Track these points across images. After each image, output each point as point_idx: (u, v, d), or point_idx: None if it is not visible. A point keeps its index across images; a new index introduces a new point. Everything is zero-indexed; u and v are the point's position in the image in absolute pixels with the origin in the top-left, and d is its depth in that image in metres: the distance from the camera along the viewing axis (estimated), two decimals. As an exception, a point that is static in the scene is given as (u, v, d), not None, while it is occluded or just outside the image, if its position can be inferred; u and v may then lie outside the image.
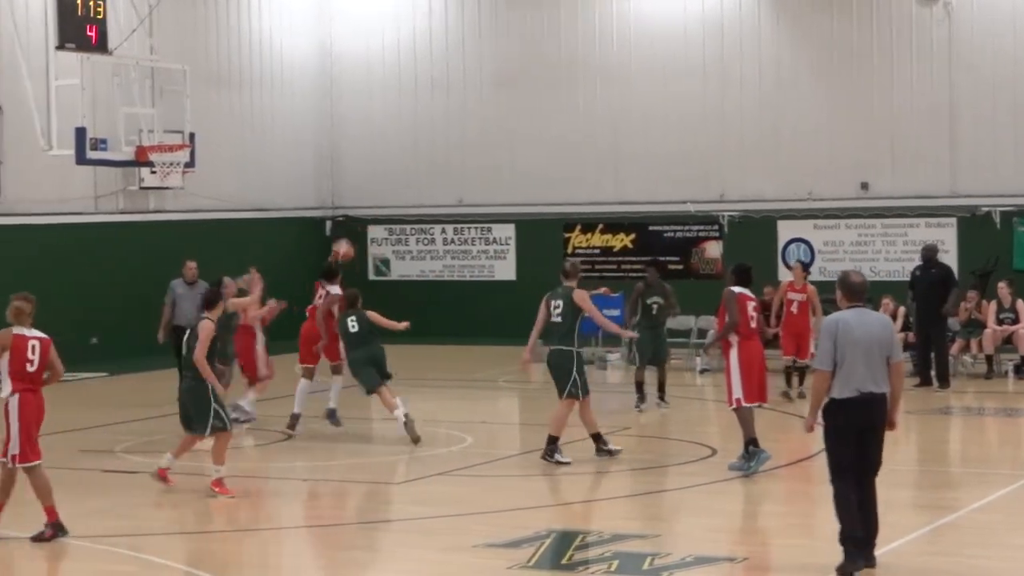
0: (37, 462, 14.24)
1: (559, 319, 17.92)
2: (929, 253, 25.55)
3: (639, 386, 22.61)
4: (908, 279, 26.10)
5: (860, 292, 12.42)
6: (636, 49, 32.58)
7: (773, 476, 17.03)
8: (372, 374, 19.78)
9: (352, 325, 20.26)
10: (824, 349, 12.23)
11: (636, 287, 23.34)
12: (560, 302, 17.97)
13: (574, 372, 17.88)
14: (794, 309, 23.66)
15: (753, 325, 17.27)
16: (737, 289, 17.37)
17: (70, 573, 13.31)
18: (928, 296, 24.90)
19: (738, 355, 17.14)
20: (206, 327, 16.36)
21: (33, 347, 14.19)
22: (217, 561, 13.38)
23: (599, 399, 24.52)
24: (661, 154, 32.39)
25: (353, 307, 20.49)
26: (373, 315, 20.16)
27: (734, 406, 17.19)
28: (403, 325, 19.99)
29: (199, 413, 16.35)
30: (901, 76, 30.73)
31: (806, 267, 25.15)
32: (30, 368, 14.10)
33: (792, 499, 16.50)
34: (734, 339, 17.16)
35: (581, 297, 17.97)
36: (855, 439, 12.14)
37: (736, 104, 31.89)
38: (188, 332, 16.60)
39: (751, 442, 17.06)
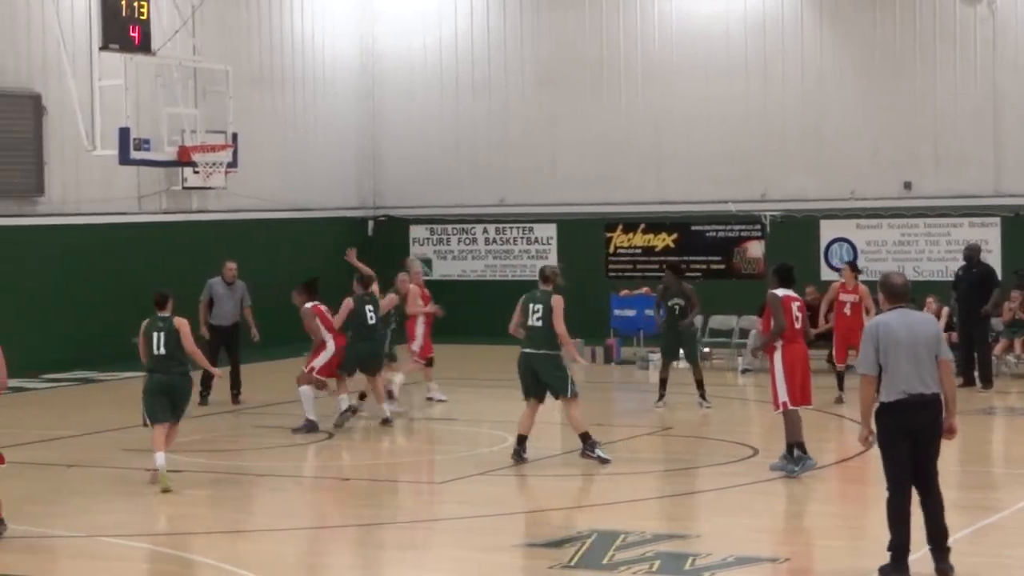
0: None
1: (539, 323, 17.83)
2: (972, 253, 25.43)
3: (662, 383, 22.66)
4: (951, 279, 26.01)
5: (902, 293, 12.24)
6: (677, 48, 32.53)
7: (815, 476, 16.97)
8: (353, 366, 20.67)
9: (370, 316, 20.43)
10: (866, 354, 12.04)
11: (657, 289, 23.50)
12: (540, 306, 17.89)
13: (568, 372, 17.87)
14: (847, 311, 23.14)
15: (797, 326, 17.14)
16: (781, 292, 17.22)
17: (112, 572, 13.36)
18: (970, 296, 24.79)
19: (782, 358, 17.01)
20: (185, 323, 17.18)
21: None
22: (259, 560, 13.41)
23: (643, 398, 24.52)
24: (703, 154, 32.33)
25: (368, 290, 20.47)
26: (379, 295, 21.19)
27: (780, 409, 17.11)
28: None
29: (186, 403, 17.22)
30: (944, 75, 30.59)
31: (855, 266, 24.69)
32: None
33: (834, 499, 16.44)
34: (778, 342, 17.05)
35: (557, 303, 17.89)
36: (909, 443, 11.90)
37: (778, 103, 31.81)
38: (165, 333, 16.88)
39: (798, 446, 16.95)
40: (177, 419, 17.11)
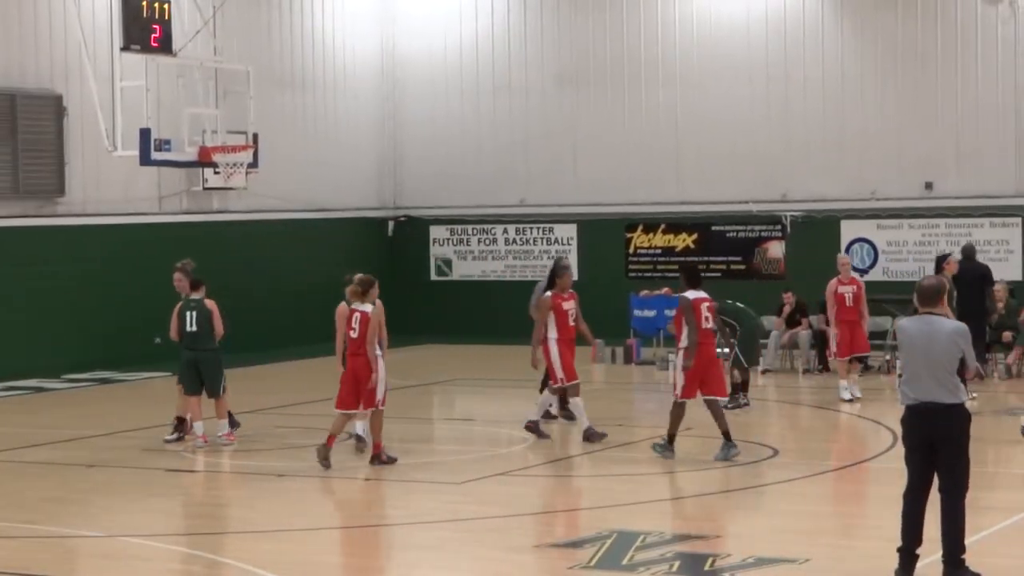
0: None
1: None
2: (968, 252, 25.39)
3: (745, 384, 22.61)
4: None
5: (930, 297, 12.10)
6: (699, 49, 32.50)
7: (836, 477, 16.96)
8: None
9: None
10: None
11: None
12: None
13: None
14: None
15: (707, 327, 17.93)
16: (692, 295, 18.02)
17: (133, 572, 13.39)
18: (965, 295, 24.89)
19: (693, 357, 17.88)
20: (214, 304, 19.69)
21: None
22: (281, 560, 13.43)
23: (663, 398, 24.47)
24: (723, 154, 32.31)
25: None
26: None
27: (681, 398, 17.95)
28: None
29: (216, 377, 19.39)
30: (966, 75, 30.53)
31: None
32: None
33: (854, 500, 16.42)
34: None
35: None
36: (926, 451, 11.89)
37: (799, 104, 31.77)
38: (197, 312, 19.42)
39: (672, 437, 18.02)
40: (213, 393, 19.34)
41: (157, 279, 29.20)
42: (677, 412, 18.05)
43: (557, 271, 20.05)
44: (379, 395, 17.62)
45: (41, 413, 23.49)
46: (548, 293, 19.75)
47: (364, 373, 17.55)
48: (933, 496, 11.95)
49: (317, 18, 33.77)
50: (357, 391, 17.70)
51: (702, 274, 19.08)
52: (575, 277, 33.20)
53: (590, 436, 19.26)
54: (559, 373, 19.45)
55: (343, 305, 18.56)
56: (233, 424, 19.86)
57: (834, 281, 23.48)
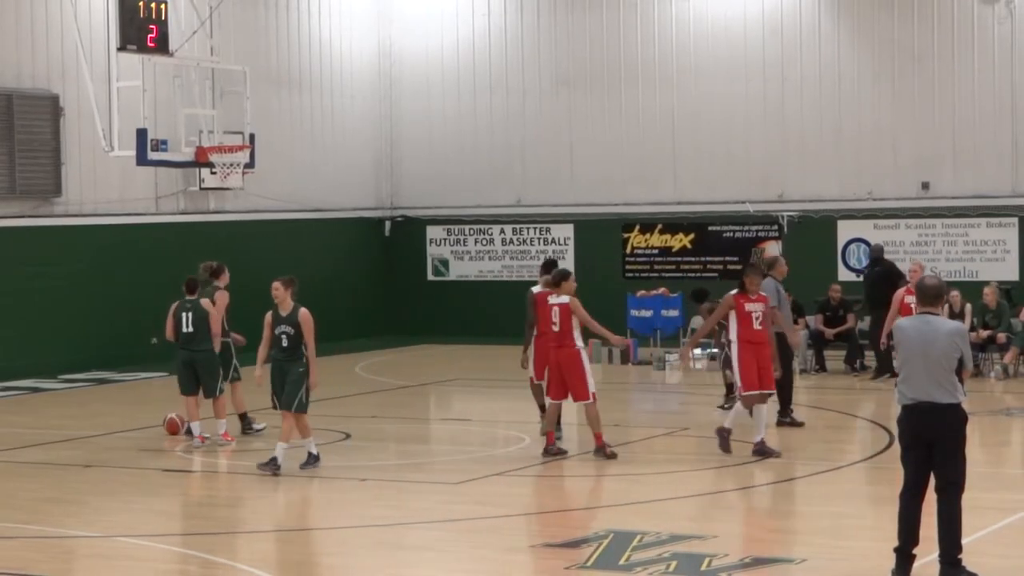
0: None
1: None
2: (876, 252, 26.73)
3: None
4: (968, 280, 26.07)
5: (931, 296, 12.07)
6: (695, 49, 32.50)
7: (832, 477, 16.95)
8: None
9: (284, 338, 17.48)
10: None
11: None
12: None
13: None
14: None
15: (555, 329, 18.21)
16: (536, 289, 18.98)
17: (129, 572, 13.38)
18: (872, 293, 25.90)
19: (534, 350, 18.89)
20: (210, 304, 19.62)
21: None
22: (277, 561, 13.43)
23: (659, 399, 24.46)
24: (720, 154, 32.31)
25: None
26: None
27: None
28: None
29: (212, 378, 19.46)
30: (963, 75, 30.52)
31: None
32: None
33: (851, 500, 16.40)
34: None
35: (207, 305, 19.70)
36: (923, 450, 11.89)
37: (796, 104, 31.77)
38: (193, 313, 19.41)
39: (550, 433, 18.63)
40: (209, 394, 19.41)
41: (154, 279, 29.31)
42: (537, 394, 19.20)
43: (745, 271, 19.28)
44: (590, 387, 17.91)
45: (37, 413, 23.47)
46: (732, 292, 18.81)
47: (568, 365, 17.90)
48: (930, 496, 11.97)
49: (314, 18, 33.76)
50: (564, 381, 18.01)
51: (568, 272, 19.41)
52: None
53: (761, 451, 18.23)
54: (737, 381, 18.63)
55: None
56: (248, 427, 20.04)
57: (902, 290, 21.79)
